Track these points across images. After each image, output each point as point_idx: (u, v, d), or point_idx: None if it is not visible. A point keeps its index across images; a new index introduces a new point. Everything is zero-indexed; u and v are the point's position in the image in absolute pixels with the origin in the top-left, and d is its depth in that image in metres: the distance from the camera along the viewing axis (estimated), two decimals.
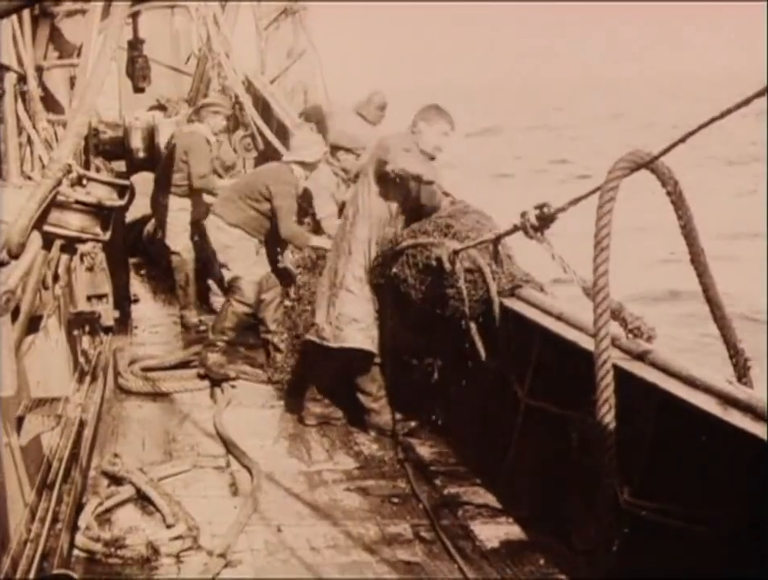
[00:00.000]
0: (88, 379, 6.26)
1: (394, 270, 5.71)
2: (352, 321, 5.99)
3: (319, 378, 6.34)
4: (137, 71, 9.88)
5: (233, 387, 7.00)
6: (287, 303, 7.35)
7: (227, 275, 7.41)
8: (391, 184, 5.93)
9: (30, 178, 5.13)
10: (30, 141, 5.42)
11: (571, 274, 4.15)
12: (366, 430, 6.15)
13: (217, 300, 8.56)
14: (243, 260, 7.33)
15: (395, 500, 5.12)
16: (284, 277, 7.56)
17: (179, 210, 8.65)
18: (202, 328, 8.36)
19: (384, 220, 6.00)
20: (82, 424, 5.32)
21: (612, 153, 3.77)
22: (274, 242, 7.56)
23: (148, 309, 9.24)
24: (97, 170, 8.42)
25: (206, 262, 9.15)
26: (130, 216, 10.05)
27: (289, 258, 7.71)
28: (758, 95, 2.88)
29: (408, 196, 6.02)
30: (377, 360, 6.09)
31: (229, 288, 7.44)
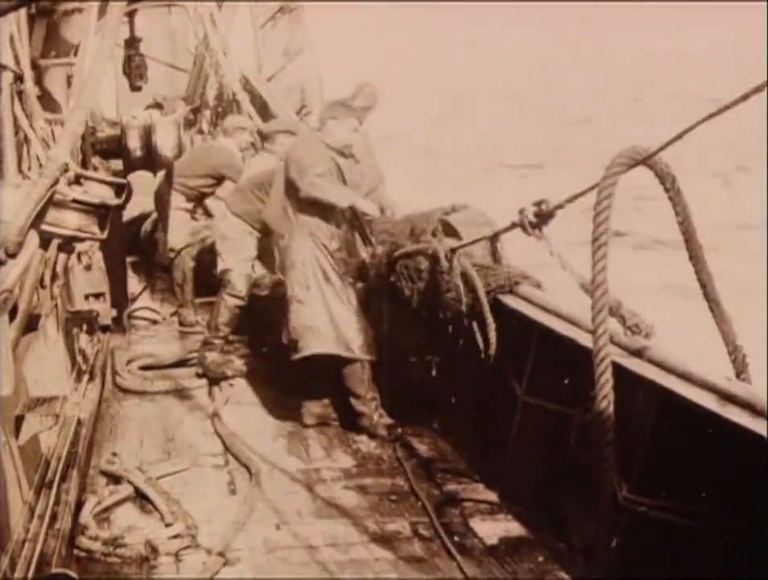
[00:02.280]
0: (86, 377, 6.25)
1: (395, 269, 5.72)
2: (307, 328, 6.01)
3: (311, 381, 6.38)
4: (134, 69, 9.86)
5: (231, 385, 7.00)
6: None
7: (220, 266, 7.41)
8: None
9: (27, 177, 5.13)
10: (27, 140, 5.41)
11: (569, 271, 4.15)
12: (359, 432, 6.13)
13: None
14: (237, 253, 7.33)
15: (394, 498, 5.12)
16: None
17: (180, 209, 8.67)
18: (199, 326, 8.36)
19: (318, 230, 6.02)
20: (80, 423, 5.32)
21: None
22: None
23: (146, 308, 9.21)
24: (95, 169, 8.41)
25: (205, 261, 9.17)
26: (128, 214, 10.03)
27: None
28: (757, 90, 2.88)
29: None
30: (368, 359, 6.08)
31: (220, 281, 7.44)
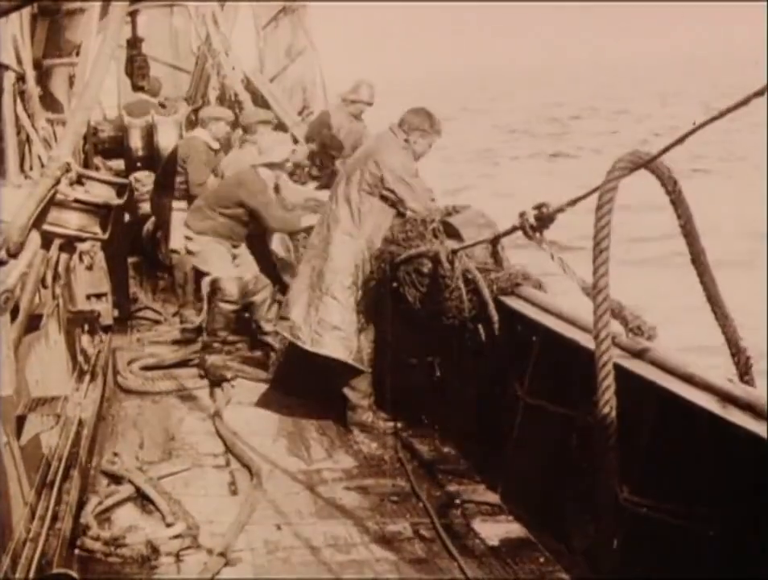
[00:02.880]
0: (87, 378, 6.25)
1: (397, 273, 5.73)
2: (333, 328, 6.02)
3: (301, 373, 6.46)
4: (136, 69, 9.89)
5: (232, 386, 7.00)
6: (280, 298, 7.38)
7: (206, 279, 7.55)
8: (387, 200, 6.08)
9: (29, 177, 5.13)
10: (29, 140, 5.41)
11: (570, 274, 4.15)
12: (355, 426, 6.18)
13: None
14: (217, 261, 7.48)
15: (395, 499, 5.12)
16: (273, 276, 7.64)
17: (179, 210, 8.68)
18: (200, 326, 8.38)
19: (382, 231, 6.06)
20: (81, 423, 5.32)
21: None
22: (258, 242, 7.65)
23: (148, 308, 9.22)
24: (97, 169, 8.41)
25: None
26: (129, 214, 10.04)
27: (275, 243, 7.78)
28: (757, 94, 2.89)
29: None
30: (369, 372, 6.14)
31: (211, 291, 7.50)
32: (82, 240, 3.72)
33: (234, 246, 7.56)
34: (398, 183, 6.03)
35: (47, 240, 3.52)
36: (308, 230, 7.25)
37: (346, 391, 6.20)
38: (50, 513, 4.08)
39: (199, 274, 8.76)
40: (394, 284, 5.73)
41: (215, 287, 7.43)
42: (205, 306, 7.67)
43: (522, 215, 4.36)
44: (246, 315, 7.70)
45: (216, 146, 8.72)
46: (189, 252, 7.67)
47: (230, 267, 7.48)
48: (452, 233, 5.74)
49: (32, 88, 5.58)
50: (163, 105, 10.73)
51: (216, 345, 7.35)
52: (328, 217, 6.21)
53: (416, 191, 6.08)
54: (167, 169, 8.84)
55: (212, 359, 7.26)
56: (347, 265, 6.05)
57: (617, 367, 3.57)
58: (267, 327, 7.42)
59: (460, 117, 47.50)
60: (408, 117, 6.14)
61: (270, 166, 7.51)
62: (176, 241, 8.71)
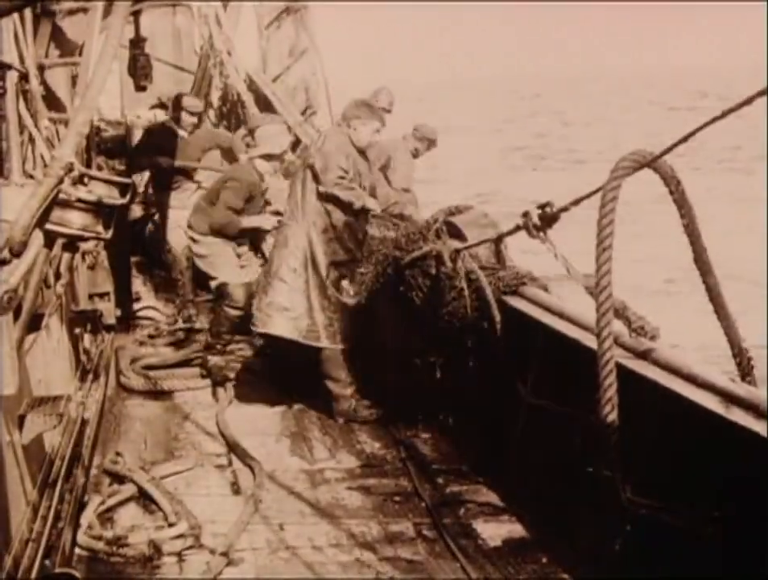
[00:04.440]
0: (89, 377, 6.26)
1: (403, 276, 5.75)
2: (282, 309, 6.21)
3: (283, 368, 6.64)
4: (138, 69, 9.86)
5: (235, 385, 6.99)
6: None
7: (213, 284, 7.50)
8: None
9: (31, 176, 5.13)
10: (32, 139, 5.42)
11: (574, 273, 4.15)
12: (335, 417, 6.29)
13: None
14: (224, 266, 7.45)
15: (397, 499, 5.12)
16: None
17: (172, 207, 8.69)
18: (198, 324, 8.41)
19: (322, 216, 6.19)
20: (84, 423, 5.33)
21: None
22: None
23: (150, 307, 9.22)
24: (99, 168, 8.41)
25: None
26: (132, 214, 10.05)
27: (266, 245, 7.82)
28: (759, 95, 2.88)
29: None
30: (341, 348, 6.27)
31: (218, 295, 7.50)
32: (85, 239, 3.71)
33: (239, 244, 7.55)
34: (318, 156, 6.15)
35: (49, 239, 3.51)
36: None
37: (327, 383, 6.33)
38: (52, 513, 4.08)
39: (200, 273, 8.77)
40: (401, 288, 5.75)
41: (222, 291, 7.41)
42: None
43: (525, 215, 4.36)
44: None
45: (183, 134, 8.72)
46: (196, 255, 7.62)
47: (237, 271, 7.45)
48: (455, 233, 5.74)
49: (35, 87, 5.59)
50: (165, 106, 10.72)
51: (219, 345, 7.35)
52: (287, 212, 6.42)
53: (330, 168, 6.11)
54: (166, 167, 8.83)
55: (215, 360, 7.25)
56: (292, 249, 6.21)
57: (620, 367, 3.57)
58: None
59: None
60: (347, 109, 6.32)
61: (268, 157, 7.49)
62: (174, 240, 8.72)
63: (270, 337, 6.43)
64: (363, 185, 6.24)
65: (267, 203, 7.85)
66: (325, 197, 6.14)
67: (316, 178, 6.15)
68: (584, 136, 45.07)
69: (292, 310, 6.19)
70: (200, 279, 9.20)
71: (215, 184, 7.70)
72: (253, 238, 7.77)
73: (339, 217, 6.17)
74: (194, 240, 7.55)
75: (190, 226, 7.59)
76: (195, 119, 8.94)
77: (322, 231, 6.17)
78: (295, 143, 9.79)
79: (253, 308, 6.33)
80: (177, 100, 9.00)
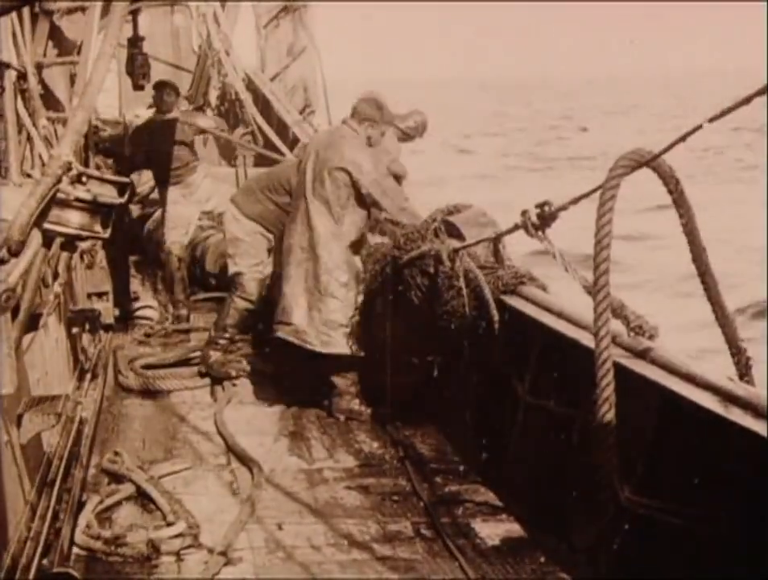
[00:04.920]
0: (88, 376, 6.26)
1: (401, 275, 5.75)
2: (340, 326, 6.18)
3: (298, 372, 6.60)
4: (137, 69, 9.85)
5: (233, 385, 6.99)
6: None
7: (231, 269, 7.37)
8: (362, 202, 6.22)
9: (30, 176, 5.13)
10: (30, 139, 5.41)
11: (572, 272, 4.15)
12: (334, 414, 6.32)
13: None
14: (251, 257, 7.26)
15: (396, 498, 5.12)
16: None
17: (171, 203, 8.70)
18: (187, 325, 8.44)
19: (359, 227, 6.26)
20: (82, 422, 5.32)
21: None
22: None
23: (148, 307, 9.22)
24: (98, 168, 8.41)
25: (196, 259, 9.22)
26: (131, 213, 10.06)
27: None
28: (758, 93, 2.88)
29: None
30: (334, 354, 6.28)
31: (231, 283, 7.40)
32: (83, 239, 3.71)
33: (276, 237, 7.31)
34: (373, 186, 6.12)
35: (48, 239, 3.51)
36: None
37: (334, 378, 6.33)
38: (50, 512, 4.08)
39: (195, 272, 8.77)
40: (400, 288, 5.75)
41: (236, 281, 7.31)
42: None
43: (524, 213, 4.36)
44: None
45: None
46: (229, 234, 7.36)
47: (259, 267, 7.30)
48: (454, 232, 5.74)
49: (33, 86, 5.58)
50: None
51: (221, 341, 7.30)
52: (303, 216, 6.27)
53: (390, 194, 6.17)
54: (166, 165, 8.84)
55: (215, 356, 7.22)
56: (338, 263, 6.18)
57: (618, 366, 3.57)
58: None
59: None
60: (360, 106, 6.27)
61: None
62: (169, 240, 8.72)
63: (279, 339, 6.39)
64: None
65: None
66: (384, 222, 6.28)
67: (362, 201, 6.17)
68: (582, 140, 45.16)
69: (348, 325, 6.20)
70: (197, 277, 9.22)
71: (274, 170, 7.54)
72: None
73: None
74: (235, 217, 7.28)
75: (234, 202, 7.34)
76: (173, 98, 8.91)
77: (367, 252, 6.27)
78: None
79: (301, 324, 6.22)
80: (157, 85, 9.00)
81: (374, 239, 6.67)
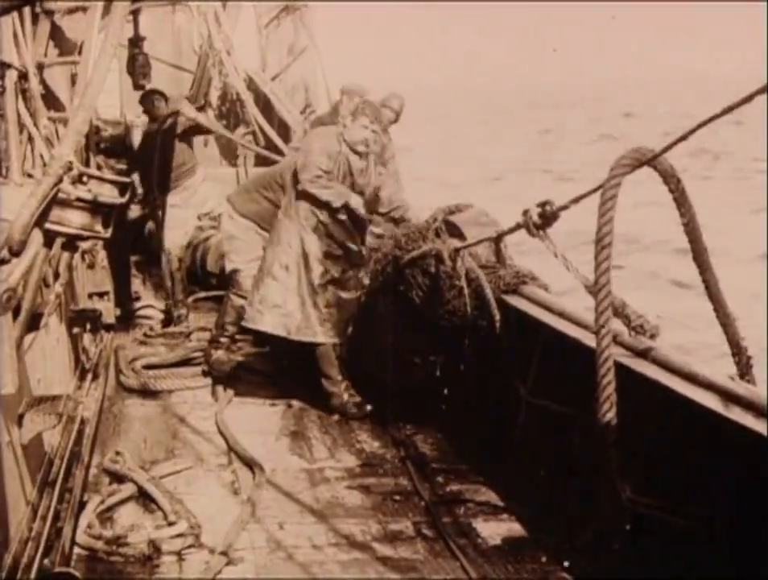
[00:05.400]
0: (89, 376, 6.26)
1: (402, 275, 5.75)
2: (273, 306, 6.30)
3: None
4: (138, 68, 9.87)
5: (234, 384, 6.98)
6: None
7: (228, 266, 7.38)
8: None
9: (31, 176, 5.13)
10: (31, 139, 5.41)
11: (573, 272, 4.15)
12: (330, 413, 6.35)
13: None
14: (246, 254, 7.26)
15: (397, 498, 5.12)
16: None
17: (170, 207, 8.70)
18: (184, 327, 8.43)
19: (311, 217, 6.27)
20: (83, 422, 5.32)
21: None
22: None
23: (149, 307, 9.22)
24: (98, 168, 8.41)
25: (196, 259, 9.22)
26: (132, 213, 10.05)
27: None
28: (759, 92, 2.88)
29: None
30: (336, 342, 6.37)
31: (228, 281, 7.42)
32: (84, 239, 3.71)
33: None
34: (299, 157, 6.28)
35: (49, 239, 3.51)
36: None
37: (322, 380, 6.40)
38: (52, 512, 4.08)
39: (194, 272, 8.77)
40: (401, 288, 5.75)
41: (233, 278, 7.31)
42: None
43: (525, 213, 4.36)
44: None
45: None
46: (225, 232, 7.40)
47: (255, 263, 7.31)
48: (455, 232, 5.74)
49: (34, 86, 5.57)
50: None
51: (222, 340, 7.30)
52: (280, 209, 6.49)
53: (307, 168, 6.19)
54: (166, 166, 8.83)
55: (217, 354, 7.22)
56: (284, 246, 6.30)
57: (620, 366, 3.57)
58: None
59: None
60: (343, 105, 6.59)
61: None
62: (169, 241, 8.71)
63: (269, 334, 6.43)
64: (357, 184, 6.27)
65: None
66: (304, 195, 6.22)
67: (295, 176, 6.24)
68: (584, 144, 45.16)
69: (283, 307, 6.27)
70: (198, 277, 9.21)
71: (269, 170, 7.54)
72: None
73: (326, 213, 6.24)
74: (230, 216, 7.31)
75: (230, 201, 7.36)
76: (162, 103, 8.90)
77: (312, 229, 6.24)
78: None
79: (246, 304, 6.44)
80: (145, 94, 9.02)
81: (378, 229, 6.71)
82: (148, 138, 8.83)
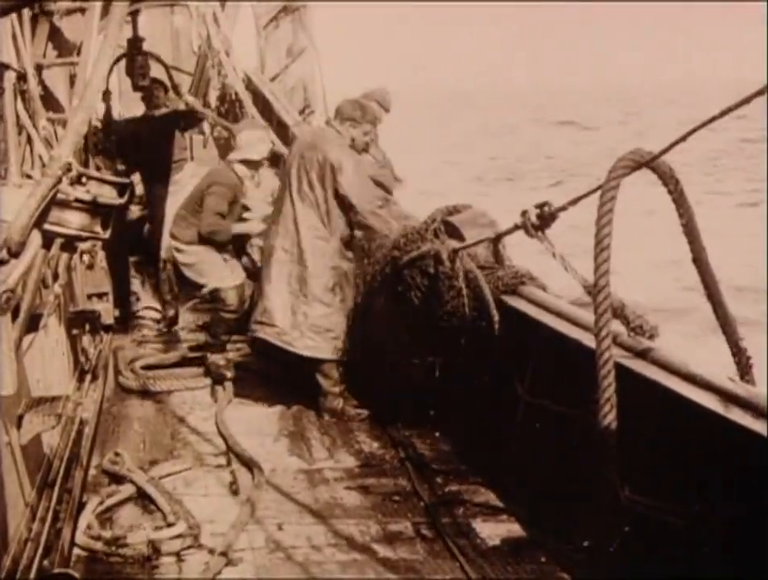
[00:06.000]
0: (88, 377, 6.25)
1: (401, 276, 5.75)
2: (325, 331, 6.23)
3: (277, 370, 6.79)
4: (136, 69, 9.86)
5: (234, 385, 6.99)
6: None
7: (206, 290, 7.44)
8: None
9: (30, 177, 5.13)
10: (30, 140, 5.41)
11: (572, 273, 4.15)
12: (321, 413, 6.36)
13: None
14: (213, 271, 7.31)
15: (396, 498, 5.12)
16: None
17: (158, 200, 8.73)
18: (184, 330, 8.43)
19: (344, 227, 6.24)
20: (82, 423, 5.32)
21: None
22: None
23: (149, 308, 9.22)
24: (97, 168, 8.41)
25: None
26: (131, 214, 10.05)
27: (245, 259, 7.80)
28: (758, 94, 2.89)
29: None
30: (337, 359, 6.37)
31: (213, 300, 7.50)
32: (83, 240, 3.71)
33: (219, 251, 7.39)
34: (350, 188, 6.12)
35: (48, 240, 3.50)
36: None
37: (318, 377, 6.37)
38: (51, 513, 4.07)
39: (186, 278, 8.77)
40: (399, 289, 5.75)
41: (215, 296, 7.38)
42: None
43: (524, 214, 4.36)
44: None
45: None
46: (183, 264, 7.46)
47: (227, 274, 7.34)
48: (454, 233, 5.74)
49: (33, 87, 5.58)
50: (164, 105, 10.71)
51: (218, 344, 7.34)
52: (287, 218, 6.29)
53: (364, 196, 6.14)
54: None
55: (213, 358, 7.24)
56: (325, 268, 6.21)
57: (619, 366, 3.57)
58: None
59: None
60: (342, 107, 6.34)
61: (247, 163, 7.43)
62: (165, 249, 8.70)
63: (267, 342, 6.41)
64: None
65: (245, 208, 7.79)
66: (358, 225, 6.19)
67: (342, 203, 6.16)
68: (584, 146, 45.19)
69: (334, 331, 6.25)
70: (187, 283, 9.21)
71: (195, 191, 7.51)
72: (237, 243, 7.73)
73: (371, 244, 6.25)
74: (179, 250, 7.39)
75: (173, 236, 7.44)
76: (161, 93, 8.95)
77: (358, 258, 6.29)
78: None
79: (284, 325, 6.26)
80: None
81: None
82: (144, 126, 8.87)
